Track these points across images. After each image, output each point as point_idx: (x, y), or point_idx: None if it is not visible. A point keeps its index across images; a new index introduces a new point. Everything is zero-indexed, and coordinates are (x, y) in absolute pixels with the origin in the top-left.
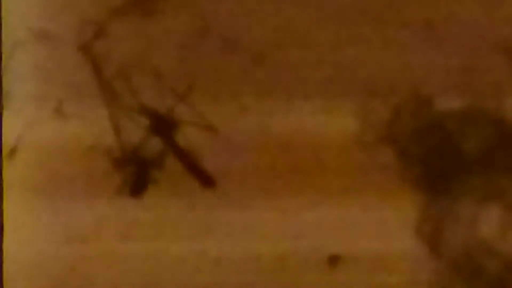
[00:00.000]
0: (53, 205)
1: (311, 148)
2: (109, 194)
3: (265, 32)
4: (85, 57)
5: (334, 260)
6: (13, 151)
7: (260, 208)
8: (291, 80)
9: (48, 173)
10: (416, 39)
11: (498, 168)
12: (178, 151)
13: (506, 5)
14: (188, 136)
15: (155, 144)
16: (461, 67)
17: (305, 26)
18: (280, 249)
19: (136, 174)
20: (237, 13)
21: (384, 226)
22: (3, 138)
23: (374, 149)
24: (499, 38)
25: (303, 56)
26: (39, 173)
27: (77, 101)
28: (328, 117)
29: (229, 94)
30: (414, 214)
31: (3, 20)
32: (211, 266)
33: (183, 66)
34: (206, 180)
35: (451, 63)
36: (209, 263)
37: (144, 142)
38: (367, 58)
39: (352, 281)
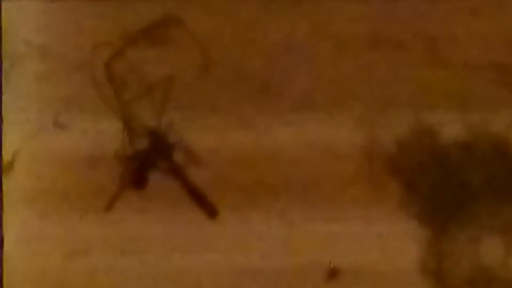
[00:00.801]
0: (51, 218)
1: (314, 162)
2: (110, 208)
3: (264, 49)
4: (85, 70)
5: (333, 274)
6: (11, 163)
7: (259, 221)
8: (296, 94)
9: (47, 185)
10: (418, 60)
11: (502, 198)
12: (188, 184)
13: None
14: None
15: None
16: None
17: (306, 43)
18: (279, 262)
19: (137, 170)
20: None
21: (385, 241)
22: (3, 152)
23: (375, 171)
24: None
25: (307, 71)
26: (37, 185)
27: (76, 114)
28: (333, 131)
29: (229, 108)
30: (418, 248)
31: (3, 35)
32: (209, 279)
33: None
34: (210, 211)
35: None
36: (207, 277)
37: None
38: (371, 77)
39: None
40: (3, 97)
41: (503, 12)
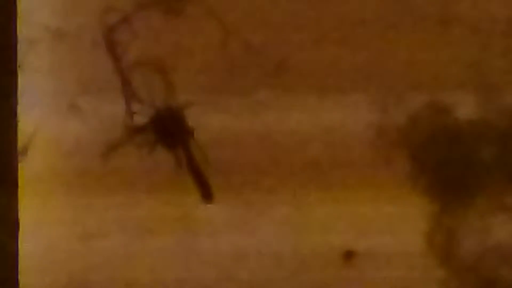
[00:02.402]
0: (68, 201)
1: (326, 145)
2: (124, 190)
3: (284, 34)
4: (99, 50)
5: (349, 256)
6: (27, 146)
7: (275, 204)
8: (308, 77)
9: (63, 169)
10: (433, 40)
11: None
12: (191, 159)
13: None
14: (202, 130)
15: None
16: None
17: (322, 26)
18: (296, 245)
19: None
20: (256, 17)
21: (398, 222)
22: (19, 135)
23: (388, 153)
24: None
25: (318, 52)
26: (52, 168)
27: (92, 97)
28: (344, 114)
29: (246, 91)
30: (428, 213)
31: (19, 18)
32: (229, 262)
33: (203, 68)
34: (206, 194)
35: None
36: (228, 259)
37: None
38: (384, 55)
39: (367, 276)
40: (18, 80)
41: None
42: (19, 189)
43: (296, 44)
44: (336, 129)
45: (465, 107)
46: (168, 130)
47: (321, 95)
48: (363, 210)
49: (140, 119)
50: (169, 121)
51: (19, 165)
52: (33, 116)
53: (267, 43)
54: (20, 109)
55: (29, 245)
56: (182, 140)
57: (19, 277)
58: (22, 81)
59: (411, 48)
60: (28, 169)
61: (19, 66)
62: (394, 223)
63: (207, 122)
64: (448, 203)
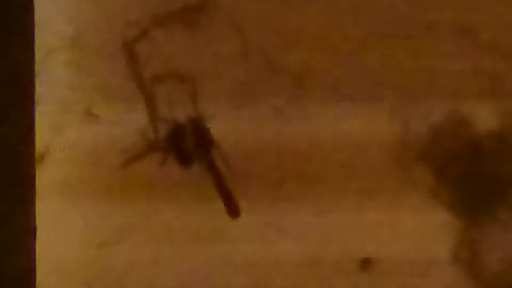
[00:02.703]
0: (84, 208)
1: (346, 152)
2: (140, 198)
3: (303, 43)
4: (118, 59)
5: (366, 264)
6: (44, 154)
7: (291, 211)
8: (326, 84)
9: (80, 176)
10: (454, 50)
11: None
12: (217, 175)
13: None
14: (219, 135)
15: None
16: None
17: (338, 31)
18: (312, 252)
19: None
20: (276, 29)
21: (418, 229)
22: (36, 142)
23: (408, 161)
24: None
25: (338, 60)
26: (70, 176)
27: (108, 104)
28: (364, 124)
29: (263, 99)
30: (451, 223)
31: (36, 27)
32: (242, 269)
33: (221, 80)
34: (233, 209)
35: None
36: (241, 267)
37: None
38: (403, 62)
39: (385, 285)
40: (36, 88)
41: None
42: (37, 195)
43: (315, 53)
44: (356, 138)
45: (486, 119)
46: (191, 142)
47: (339, 104)
48: (382, 219)
49: (162, 132)
50: (192, 133)
51: (36, 172)
52: (50, 124)
53: (286, 52)
54: (37, 116)
55: (45, 251)
56: (205, 152)
57: (37, 284)
58: (39, 89)
59: (430, 57)
60: (45, 176)
61: (36, 74)
62: (413, 231)
63: (227, 132)
64: (471, 216)
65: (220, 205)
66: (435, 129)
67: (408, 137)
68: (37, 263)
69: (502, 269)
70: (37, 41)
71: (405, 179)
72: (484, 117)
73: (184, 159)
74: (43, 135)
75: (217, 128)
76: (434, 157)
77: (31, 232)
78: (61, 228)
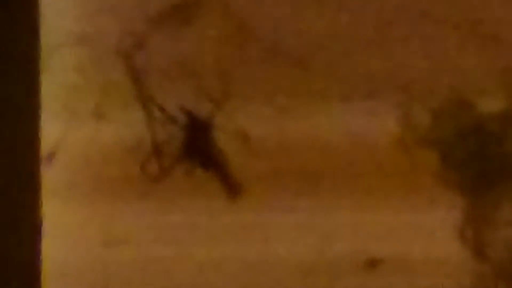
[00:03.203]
0: (92, 208)
1: (351, 150)
2: (147, 198)
3: (304, 36)
4: (123, 61)
5: (372, 264)
6: (52, 154)
7: (297, 210)
8: (330, 82)
9: (87, 176)
10: (458, 40)
11: None
12: (212, 155)
13: None
14: (223, 139)
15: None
16: (503, 68)
17: (344, 29)
18: (318, 252)
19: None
20: (276, 18)
21: (425, 229)
22: (43, 141)
23: (415, 152)
24: None
25: (343, 58)
26: (78, 176)
27: (115, 103)
28: (369, 119)
29: (267, 97)
30: (456, 217)
31: (42, 23)
32: (246, 269)
33: (221, 71)
34: (232, 188)
35: (492, 64)
36: (245, 267)
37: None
38: (407, 60)
39: (392, 285)
40: (42, 86)
41: None
42: (44, 195)
43: (319, 49)
44: (362, 134)
45: (489, 101)
46: (193, 137)
47: (345, 101)
48: (388, 218)
49: (166, 131)
50: (194, 130)
51: (44, 171)
52: (58, 123)
53: (291, 47)
54: (44, 117)
55: (52, 251)
56: (206, 145)
57: (43, 285)
58: (45, 87)
59: (433, 54)
60: (52, 176)
61: (42, 72)
62: (420, 231)
63: (231, 127)
64: (479, 196)
65: (217, 204)
66: (438, 115)
67: (413, 128)
68: (43, 262)
69: (509, 249)
70: (42, 38)
71: (412, 178)
72: (488, 98)
73: (206, 163)
74: (50, 133)
75: (218, 123)
76: (438, 143)
77: (38, 232)
78: (67, 228)
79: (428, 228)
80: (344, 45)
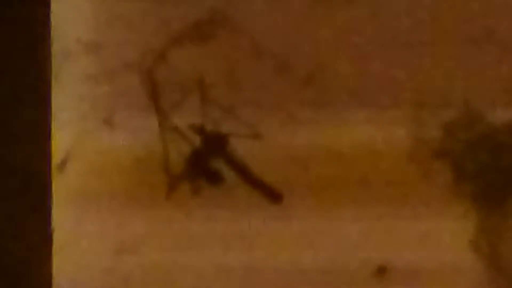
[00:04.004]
0: (103, 217)
1: (361, 160)
2: (159, 205)
3: (315, 49)
4: (134, 68)
5: (382, 272)
6: (63, 163)
7: (307, 218)
8: (342, 91)
9: (98, 185)
10: (468, 51)
11: None
12: (239, 167)
13: None
14: (238, 149)
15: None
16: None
17: (355, 40)
18: (327, 259)
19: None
20: (287, 33)
21: (437, 239)
22: (54, 150)
23: (427, 164)
24: None
25: (353, 68)
26: (89, 185)
27: (127, 112)
28: (379, 129)
29: (279, 105)
30: (469, 228)
31: (53, 32)
32: (259, 276)
33: (234, 85)
34: (274, 195)
35: (502, 74)
36: (257, 274)
37: (196, 155)
38: (418, 71)
39: None
40: (52, 95)
41: None
42: (55, 204)
43: (329, 59)
44: (371, 143)
45: (501, 112)
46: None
47: (355, 110)
48: (398, 226)
49: (179, 148)
50: (205, 142)
51: (55, 180)
52: (69, 132)
53: (300, 57)
54: (56, 124)
55: (63, 260)
56: (223, 153)
57: None
58: (56, 96)
59: (445, 64)
60: (64, 185)
61: (53, 79)
62: (430, 239)
63: (243, 139)
64: (492, 207)
65: (233, 211)
66: (450, 127)
67: (424, 139)
68: (54, 271)
69: None
70: (53, 46)
71: (423, 188)
72: (499, 110)
73: (213, 178)
74: (62, 143)
75: (234, 136)
76: (450, 154)
77: (48, 240)
78: (78, 236)
79: (440, 238)
80: (354, 56)
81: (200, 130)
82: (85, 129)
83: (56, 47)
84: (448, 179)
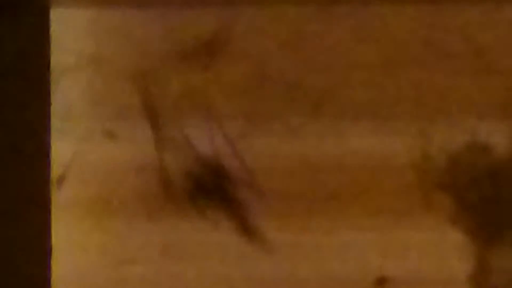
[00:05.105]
0: (103, 228)
1: (362, 172)
2: (158, 216)
3: (321, 62)
4: (133, 83)
5: (382, 283)
6: (63, 175)
7: (307, 229)
8: (341, 102)
9: (96, 194)
10: (472, 79)
11: None
12: (235, 210)
13: None
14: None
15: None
16: None
17: (361, 59)
18: (328, 270)
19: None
20: (285, 38)
21: (436, 249)
22: (53, 162)
23: (428, 174)
24: None
25: (352, 79)
26: (86, 195)
27: (126, 123)
28: (380, 141)
29: (277, 117)
30: (468, 242)
31: (52, 44)
32: (259, 286)
33: (241, 110)
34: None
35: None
36: (257, 285)
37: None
38: (421, 88)
39: None
40: (51, 107)
41: None
42: (53, 215)
43: (331, 72)
44: (372, 156)
45: (505, 145)
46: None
47: (357, 122)
48: (398, 237)
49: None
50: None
51: (54, 191)
52: (67, 143)
53: (304, 70)
54: (55, 136)
55: (61, 271)
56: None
57: None
58: (55, 107)
59: (447, 77)
60: (64, 196)
61: (52, 91)
62: (430, 250)
63: (244, 149)
64: (489, 242)
65: (231, 223)
66: (453, 154)
67: (424, 152)
68: (52, 283)
69: None
70: (52, 58)
71: (423, 199)
72: (504, 142)
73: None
74: (60, 154)
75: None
76: (453, 182)
77: (47, 253)
78: (78, 248)
79: (440, 248)
80: (359, 74)
81: (205, 164)
82: (85, 141)
83: (55, 59)
84: (447, 208)
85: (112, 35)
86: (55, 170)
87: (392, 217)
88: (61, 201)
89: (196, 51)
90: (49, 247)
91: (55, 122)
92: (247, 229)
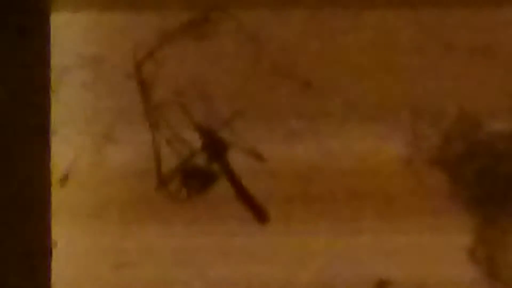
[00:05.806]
0: (103, 231)
1: (360, 173)
2: (157, 219)
3: (315, 58)
4: (133, 80)
5: (382, 286)
6: (64, 177)
7: (307, 233)
8: (339, 105)
9: (96, 198)
10: (465, 62)
11: None
12: (233, 178)
13: None
14: (236, 161)
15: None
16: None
17: (352, 52)
18: (327, 274)
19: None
20: (289, 39)
21: (435, 251)
22: (54, 164)
23: (424, 174)
24: None
25: (351, 81)
26: (86, 198)
27: (127, 126)
28: (376, 141)
29: (279, 119)
30: (467, 238)
31: (52, 46)
32: None
33: (234, 90)
34: (260, 216)
35: (501, 85)
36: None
37: (193, 161)
38: (415, 82)
39: None
40: (52, 109)
41: None
42: (54, 218)
43: (328, 70)
44: (369, 157)
45: (499, 121)
46: (212, 154)
47: (353, 122)
48: (399, 240)
49: (178, 155)
50: (204, 148)
51: (55, 194)
52: (68, 146)
53: (299, 66)
54: (55, 139)
55: (62, 274)
56: (220, 160)
57: None
58: (55, 110)
59: (441, 76)
60: (64, 199)
61: (53, 94)
62: (429, 254)
63: (241, 149)
64: (489, 217)
65: (232, 226)
66: (447, 136)
67: (422, 149)
68: (53, 286)
69: None
70: (53, 61)
71: (422, 203)
72: (496, 117)
73: (203, 183)
74: (61, 157)
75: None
76: (447, 162)
77: (47, 255)
78: (78, 251)
79: (440, 251)
80: (354, 68)
81: (202, 132)
82: (85, 143)
83: (56, 61)
84: (444, 190)
85: (112, 38)
86: (55, 172)
87: (391, 220)
88: (62, 204)
89: (192, 37)
90: (49, 248)
91: (56, 125)
92: (247, 232)
